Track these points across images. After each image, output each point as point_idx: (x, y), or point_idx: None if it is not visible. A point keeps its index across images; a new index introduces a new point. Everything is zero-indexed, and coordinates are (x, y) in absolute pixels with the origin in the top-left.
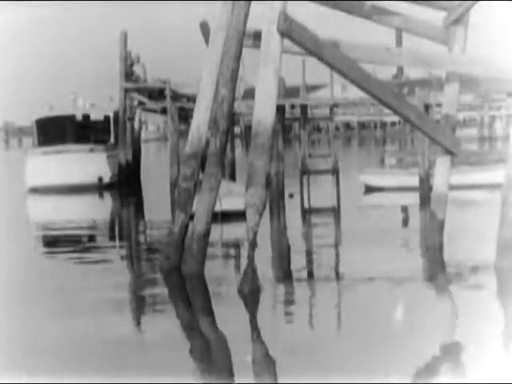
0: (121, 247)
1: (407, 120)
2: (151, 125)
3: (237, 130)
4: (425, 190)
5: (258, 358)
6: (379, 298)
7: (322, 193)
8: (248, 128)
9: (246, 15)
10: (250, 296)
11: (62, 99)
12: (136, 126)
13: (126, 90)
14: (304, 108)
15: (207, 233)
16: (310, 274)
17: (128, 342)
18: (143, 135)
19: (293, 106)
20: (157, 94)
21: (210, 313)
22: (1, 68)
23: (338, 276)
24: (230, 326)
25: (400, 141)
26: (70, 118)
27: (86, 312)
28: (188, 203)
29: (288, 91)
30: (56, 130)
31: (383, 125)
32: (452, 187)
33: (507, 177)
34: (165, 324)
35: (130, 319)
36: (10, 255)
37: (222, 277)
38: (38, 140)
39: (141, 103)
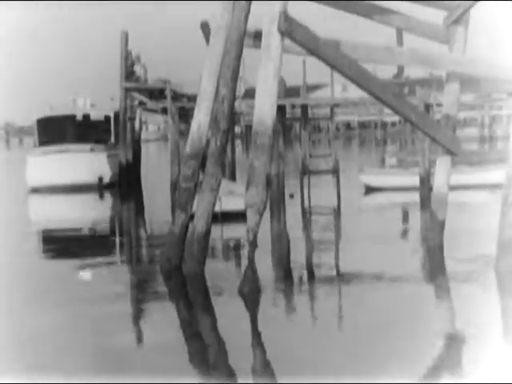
0: (121, 250)
1: (408, 120)
2: (152, 125)
3: (237, 129)
4: (425, 189)
5: (257, 358)
6: (379, 298)
7: (322, 193)
8: (248, 128)
9: (247, 15)
10: (250, 296)
11: (63, 99)
12: (136, 125)
13: (127, 90)
14: (304, 108)
15: (208, 233)
16: (311, 274)
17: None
18: (144, 135)
19: (293, 106)
20: (157, 93)
21: (210, 312)
22: (2, 68)
23: (338, 276)
24: (229, 325)
25: (400, 141)
26: (71, 118)
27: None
28: (188, 203)
29: (288, 91)
30: (57, 130)
31: (384, 125)
32: (452, 187)
33: (507, 177)
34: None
35: (129, 317)
36: (9, 255)
37: (222, 277)
38: (39, 140)
39: (141, 103)
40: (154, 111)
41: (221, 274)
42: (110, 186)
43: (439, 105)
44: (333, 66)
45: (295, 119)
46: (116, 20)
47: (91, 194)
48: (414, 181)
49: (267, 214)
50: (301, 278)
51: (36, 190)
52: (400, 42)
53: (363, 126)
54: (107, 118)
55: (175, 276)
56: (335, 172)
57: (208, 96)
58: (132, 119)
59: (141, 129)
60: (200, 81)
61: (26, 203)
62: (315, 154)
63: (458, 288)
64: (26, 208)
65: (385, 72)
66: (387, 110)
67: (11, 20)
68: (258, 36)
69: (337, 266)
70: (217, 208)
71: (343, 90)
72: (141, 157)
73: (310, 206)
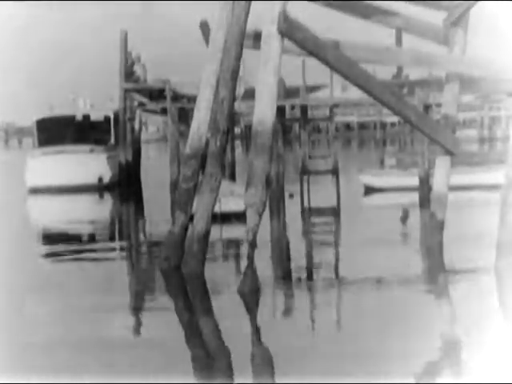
0: (121, 249)
1: (407, 120)
2: (151, 125)
3: (237, 130)
4: (424, 190)
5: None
6: (379, 298)
7: (322, 193)
8: (248, 128)
9: (247, 15)
10: (250, 296)
11: (63, 100)
12: (136, 126)
13: (126, 91)
14: (304, 108)
15: (207, 233)
16: (310, 275)
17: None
18: (143, 136)
19: (293, 107)
20: (157, 94)
21: (209, 312)
22: (1, 68)
23: (337, 277)
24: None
25: (400, 141)
26: (71, 119)
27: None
28: (188, 203)
29: (288, 92)
30: (56, 131)
31: (383, 125)
32: (452, 188)
33: (507, 177)
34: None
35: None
36: (9, 256)
37: (221, 277)
38: (39, 140)
39: (141, 104)
40: (154, 112)
41: (220, 273)
42: (109, 187)
43: (439, 105)
44: (332, 67)
45: (295, 120)
46: (116, 20)
47: (91, 195)
48: (414, 181)
49: (267, 214)
50: (300, 279)
51: (35, 191)
52: (399, 42)
53: (362, 126)
54: (107, 119)
55: (174, 276)
56: (335, 172)
57: (208, 96)
58: (132, 120)
59: (140, 129)
60: (200, 81)
61: (25, 204)
62: (315, 155)
63: (457, 288)
64: (26, 209)
65: (384, 72)
66: (386, 111)
67: (11, 20)
68: (257, 36)
69: (336, 267)
70: (216, 209)
71: (342, 90)
72: (141, 157)
73: (309, 206)
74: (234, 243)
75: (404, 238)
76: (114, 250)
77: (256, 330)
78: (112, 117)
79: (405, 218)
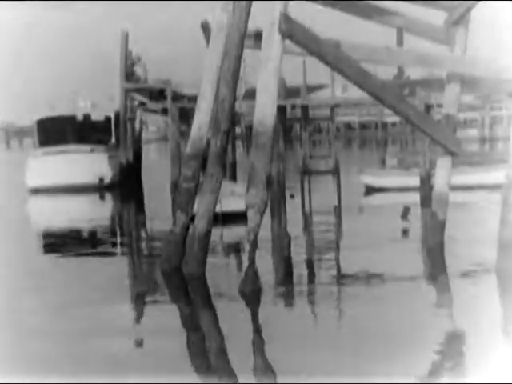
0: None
1: (408, 120)
2: (152, 125)
3: (238, 130)
4: (426, 190)
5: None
6: (380, 298)
7: (323, 193)
8: (249, 128)
9: (247, 15)
10: (251, 296)
11: (63, 99)
12: (137, 126)
13: (127, 91)
14: (305, 108)
15: (208, 233)
16: (311, 274)
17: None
18: (144, 136)
19: (294, 107)
20: (157, 94)
21: (211, 312)
22: (2, 68)
23: (338, 276)
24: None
25: (401, 141)
26: (71, 119)
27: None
28: (189, 204)
29: (289, 92)
30: (57, 131)
31: (384, 125)
32: (453, 187)
33: (508, 177)
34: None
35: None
36: (10, 255)
37: (222, 277)
38: (39, 140)
39: (141, 103)
40: (154, 112)
41: (221, 274)
42: (110, 187)
43: (440, 105)
44: (333, 67)
45: (296, 120)
46: (116, 20)
47: (92, 195)
48: (415, 181)
49: (268, 215)
50: (301, 278)
51: (36, 191)
52: (400, 42)
53: (364, 126)
54: (107, 119)
55: (175, 276)
56: (336, 172)
57: (208, 96)
58: (132, 120)
59: (141, 129)
60: (200, 81)
61: (25, 204)
62: (316, 155)
63: (458, 288)
64: (26, 209)
65: (385, 73)
66: (388, 111)
67: (11, 20)
68: (258, 36)
69: (337, 266)
70: (217, 209)
71: (343, 90)
72: (141, 157)
73: (310, 206)
74: (235, 244)
75: (405, 238)
76: (114, 245)
77: (257, 330)
78: (113, 117)
79: (405, 216)
